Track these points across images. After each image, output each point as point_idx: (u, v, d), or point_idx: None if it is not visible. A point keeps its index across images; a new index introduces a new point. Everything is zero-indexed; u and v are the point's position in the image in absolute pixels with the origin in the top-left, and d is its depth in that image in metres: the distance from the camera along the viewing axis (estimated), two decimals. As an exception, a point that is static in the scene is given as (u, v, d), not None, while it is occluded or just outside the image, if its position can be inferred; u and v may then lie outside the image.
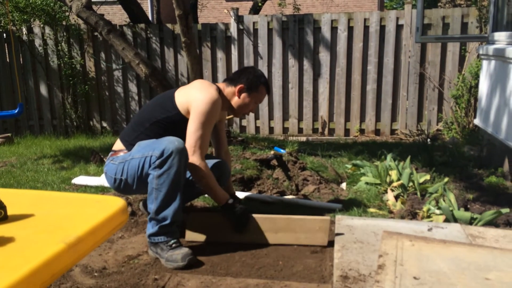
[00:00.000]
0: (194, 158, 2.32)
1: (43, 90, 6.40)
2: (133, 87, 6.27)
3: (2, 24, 6.34)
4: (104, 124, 6.41)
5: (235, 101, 2.54)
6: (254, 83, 2.55)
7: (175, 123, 2.41)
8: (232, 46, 5.95)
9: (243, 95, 2.53)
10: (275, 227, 2.48)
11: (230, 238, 2.50)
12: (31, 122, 6.51)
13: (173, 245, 2.29)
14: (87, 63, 6.30)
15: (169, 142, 2.23)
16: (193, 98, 2.37)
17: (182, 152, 2.23)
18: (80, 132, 6.19)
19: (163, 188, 2.23)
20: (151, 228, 2.31)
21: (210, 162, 2.55)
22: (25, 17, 6.26)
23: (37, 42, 6.29)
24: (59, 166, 4.27)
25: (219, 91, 2.49)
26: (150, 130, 2.43)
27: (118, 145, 2.52)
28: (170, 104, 2.43)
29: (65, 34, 6.23)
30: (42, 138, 5.93)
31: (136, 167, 2.31)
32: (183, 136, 2.35)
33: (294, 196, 3.13)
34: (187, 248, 2.31)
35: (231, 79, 2.58)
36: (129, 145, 2.44)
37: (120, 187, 2.41)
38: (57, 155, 4.75)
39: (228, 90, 2.55)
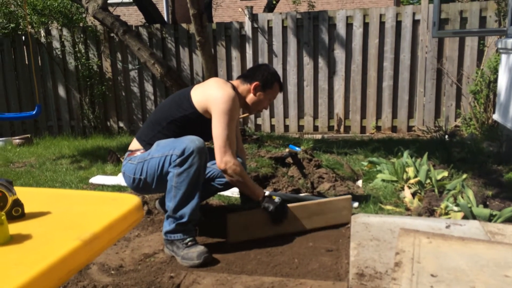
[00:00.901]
0: (227, 158, 2.32)
1: (61, 91, 6.50)
2: (149, 87, 6.32)
3: (21, 26, 6.46)
4: (121, 124, 6.48)
5: (250, 98, 2.55)
6: (269, 80, 2.56)
7: (192, 122, 2.42)
8: (247, 45, 5.95)
9: (258, 92, 2.54)
10: (307, 212, 2.57)
11: (271, 232, 2.52)
12: (50, 123, 6.62)
13: (189, 243, 2.31)
14: (104, 64, 6.38)
15: (190, 141, 2.24)
16: (212, 97, 2.37)
17: (203, 151, 2.25)
18: (98, 132, 6.28)
19: (183, 186, 2.24)
20: (167, 225, 2.33)
21: None
22: (43, 19, 6.37)
23: (55, 44, 6.39)
24: (77, 166, 4.34)
25: (234, 88, 2.49)
26: (167, 129, 2.44)
27: (135, 144, 2.54)
28: (186, 103, 2.43)
29: (82, 35, 6.31)
30: (60, 138, 6.02)
31: (156, 166, 2.33)
32: (200, 134, 2.36)
33: (309, 194, 3.12)
34: (202, 246, 2.32)
35: (245, 76, 2.58)
36: (146, 145, 2.46)
37: (139, 186, 2.43)
38: (75, 155, 4.83)
39: (243, 87, 2.55)
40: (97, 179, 3.67)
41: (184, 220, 2.29)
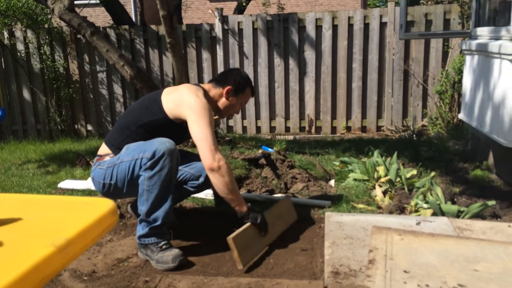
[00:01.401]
0: (219, 155, 2.24)
1: (26, 94, 6.31)
2: (118, 89, 6.21)
3: (-18, 28, 6.23)
4: (89, 127, 6.35)
5: (222, 102, 2.54)
6: (241, 84, 2.55)
7: (162, 127, 2.38)
8: (218, 46, 5.94)
9: (231, 97, 2.53)
10: (274, 217, 2.54)
11: (264, 244, 2.42)
12: (15, 127, 6.42)
13: (163, 247, 2.28)
14: (71, 66, 6.23)
15: (161, 143, 2.21)
16: (186, 103, 2.31)
17: (174, 153, 2.22)
18: (65, 136, 6.12)
19: (155, 189, 2.21)
20: (141, 229, 2.30)
21: (201, 165, 2.52)
22: (6, 20, 6.17)
23: (19, 46, 6.19)
24: (45, 171, 4.22)
25: (205, 92, 2.48)
26: (136, 133, 2.40)
27: (104, 149, 2.49)
28: (156, 108, 2.39)
29: (47, 37, 6.15)
30: (26, 143, 5.84)
31: (126, 170, 2.29)
32: (170, 139, 2.34)
33: (283, 195, 3.13)
34: (177, 249, 2.30)
35: (217, 80, 2.56)
36: (115, 149, 2.41)
37: (109, 191, 2.39)
38: (42, 160, 4.69)
39: (215, 91, 2.53)
40: (66, 184, 3.58)
41: (158, 223, 2.26)
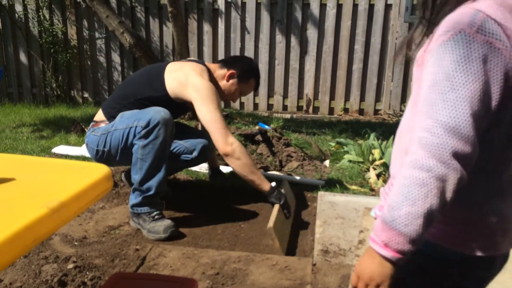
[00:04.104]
0: (231, 139, 2.23)
1: (23, 57, 6.21)
2: (116, 57, 6.13)
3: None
4: (86, 95, 6.28)
5: (223, 84, 2.50)
6: (247, 73, 2.51)
7: (160, 103, 2.34)
8: (219, 20, 5.84)
9: (232, 80, 2.49)
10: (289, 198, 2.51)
11: (289, 224, 2.41)
12: (10, 90, 6.34)
13: (156, 217, 2.29)
14: (69, 31, 6.12)
15: (156, 112, 2.20)
16: (193, 86, 2.27)
17: (169, 122, 2.21)
18: (61, 102, 6.06)
19: (148, 158, 2.20)
20: (134, 198, 2.30)
21: (196, 141, 2.52)
22: (4, -20, 6.02)
23: (17, 7, 6.07)
24: (39, 135, 4.19)
25: (209, 73, 2.44)
26: (134, 104, 2.37)
27: (100, 116, 2.47)
28: (158, 84, 2.36)
29: (46, -1, 6.02)
30: (21, 106, 5.79)
31: (120, 138, 2.27)
32: None
33: (278, 172, 3.14)
34: (169, 220, 2.31)
35: (225, 62, 2.53)
36: (110, 117, 2.40)
37: (103, 158, 2.38)
38: (36, 124, 4.66)
39: (219, 72, 2.50)
40: (60, 149, 3.57)
41: (151, 192, 2.26)
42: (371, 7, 5.53)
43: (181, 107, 2.44)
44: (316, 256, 2.06)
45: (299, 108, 5.94)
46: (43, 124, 4.65)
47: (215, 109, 2.24)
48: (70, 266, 1.95)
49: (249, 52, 5.79)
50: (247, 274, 1.92)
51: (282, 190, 2.43)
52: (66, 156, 3.45)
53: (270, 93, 5.96)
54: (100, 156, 2.39)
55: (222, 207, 2.68)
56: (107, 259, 2.05)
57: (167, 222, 2.28)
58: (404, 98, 5.69)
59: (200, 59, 2.59)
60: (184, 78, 2.31)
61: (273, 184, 2.37)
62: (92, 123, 2.49)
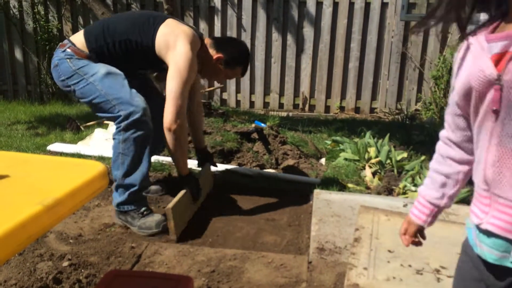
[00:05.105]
0: (181, 117, 2.18)
1: (18, 54, 6.18)
2: (112, 55, 6.11)
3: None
4: (81, 92, 6.25)
5: (209, 64, 2.44)
6: (234, 60, 2.45)
7: (143, 53, 2.28)
8: (216, 17, 5.83)
9: (218, 64, 2.44)
10: (203, 185, 2.58)
11: (194, 210, 2.53)
12: (5, 87, 6.30)
13: (145, 213, 2.28)
14: (64, 28, 6.09)
15: (137, 105, 2.16)
16: (174, 54, 2.19)
17: (149, 115, 2.20)
18: (56, 99, 6.03)
19: (130, 152, 2.18)
20: (118, 196, 2.27)
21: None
22: (-1, -24, 5.98)
23: (12, 2, 6.03)
24: (34, 133, 4.17)
25: (202, 46, 2.37)
26: (118, 46, 2.28)
27: (80, 40, 2.32)
28: (149, 34, 2.25)
29: (41, -4, 5.98)
30: (16, 103, 5.76)
31: (93, 97, 2.22)
32: (144, 65, 2.38)
33: (273, 170, 3.14)
34: (159, 214, 2.30)
35: (218, 43, 2.45)
36: (91, 50, 2.28)
37: (67, 89, 2.31)
38: (31, 121, 4.63)
39: (210, 50, 2.42)
40: (55, 147, 3.55)
41: (136, 188, 2.23)
42: (367, 5, 5.53)
43: (160, 64, 2.33)
44: (312, 254, 2.07)
45: (295, 106, 5.95)
46: (38, 121, 4.63)
47: (183, 84, 2.16)
48: (65, 263, 1.95)
49: (245, 50, 5.77)
50: (242, 271, 1.92)
51: (199, 171, 2.50)
52: (61, 154, 3.44)
53: (266, 91, 5.96)
54: (65, 87, 2.31)
55: (218, 204, 2.68)
56: (102, 257, 2.04)
57: (158, 217, 2.27)
58: (400, 97, 5.70)
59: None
60: (173, 42, 2.21)
61: (190, 168, 2.44)
62: (69, 44, 2.32)
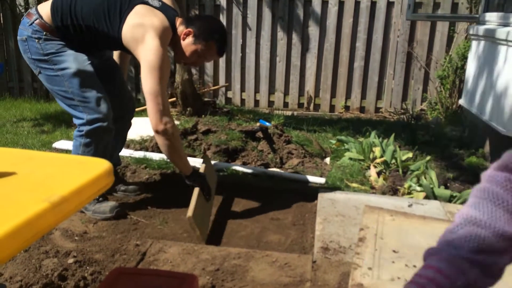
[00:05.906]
0: (166, 118, 2.09)
1: (24, 51, 6.20)
2: (117, 53, 6.12)
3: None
4: (87, 90, 6.28)
5: (181, 43, 2.28)
6: (205, 32, 2.23)
7: (110, 41, 2.22)
8: (221, 15, 5.83)
9: (188, 40, 2.25)
10: (210, 180, 2.49)
11: (211, 208, 2.48)
12: (11, 84, 6.33)
13: (100, 199, 2.41)
14: (70, 26, 6.11)
15: (103, 112, 2.20)
16: (144, 50, 2.07)
17: (112, 124, 2.27)
18: (62, 97, 6.05)
19: (90, 154, 2.27)
20: None
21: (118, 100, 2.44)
22: (5, -27, 6.01)
23: (18, 1, 6.05)
24: (40, 130, 4.19)
25: (173, 29, 2.24)
26: (84, 30, 2.20)
27: (47, 11, 2.21)
28: (115, 24, 2.15)
29: (47, -6, 6.00)
30: (22, 100, 5.78)
31: (58, 87, 2.23)
32: (109, 48, 2.39)
33: (278, 169, 3.14)
34: (113, 201, 2.43)
35: (189, 19, 2.29)
36: (56, 26, 2.20)
37: (31, 65, 2.29)
38: (37, 119, 4.65)
39: (180, 29, 2.27)
40: (61, 144, 3.56)
41: None
42: (373, 4, 5.51)
43: (128, 52, 2.30)
44: (316, 253, 2.06)
45: (300, 105, 5.94)
46: (44, 118, 4.65)
47: (159, 82, 2.05)
48: (71, 260, 1.95)
49: (250, 49, 5.78)
50: (247, 270, 1.92)
51: (201, 170, 2.38)
52: (67, 151, 3.45)
53: (271, 90, 5.95)
54: (31, 63, 2.28)
55: (222, 202, 2.68)
56: (107, 254, 2.05)
57: (111, 203, 2.41)
58: (405, 96, 5.68)
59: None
60: (141, 34, 2.08)
61: (194, 166, 2.39)
62: (36, 16, 2.21)
